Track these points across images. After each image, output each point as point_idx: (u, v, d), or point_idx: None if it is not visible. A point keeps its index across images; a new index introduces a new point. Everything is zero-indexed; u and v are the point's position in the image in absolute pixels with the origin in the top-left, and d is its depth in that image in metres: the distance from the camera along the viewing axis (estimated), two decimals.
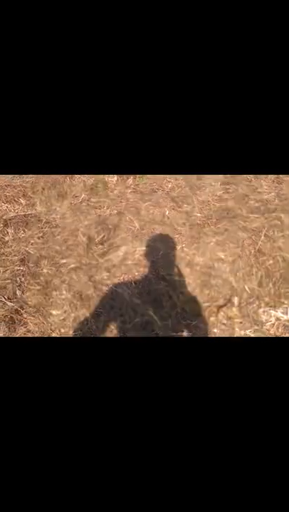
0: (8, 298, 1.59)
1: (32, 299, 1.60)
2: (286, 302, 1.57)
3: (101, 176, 2.42)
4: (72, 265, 1.76)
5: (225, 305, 1.58)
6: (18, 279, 1.67)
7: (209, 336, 1.49)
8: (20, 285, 1.64)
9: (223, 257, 1.76)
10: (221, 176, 2.32)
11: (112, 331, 1.50)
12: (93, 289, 1.65)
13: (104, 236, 1.93)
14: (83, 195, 2.24)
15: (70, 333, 1.49)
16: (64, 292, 1.63)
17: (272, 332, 1.49)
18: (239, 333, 1.49)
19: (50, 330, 1.50)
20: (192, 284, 1.68)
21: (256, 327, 1.50)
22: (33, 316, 1.53)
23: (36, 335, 1.47)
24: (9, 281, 1.65)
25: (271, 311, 1.55)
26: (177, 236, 1.91)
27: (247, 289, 1.62)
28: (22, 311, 1.55)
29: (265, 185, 2.23)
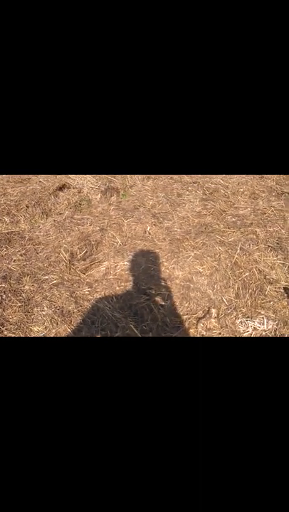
0: None
1: (13, 316, 1.61)
2: (262, 313, 1.63)
3: (85, 194, 2.49)
4: (54, 281, 1.78)
5: (204, 317, 1.62)
6: None
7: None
8: (1, 302, 1.65)
9: (201, 270, 1.82)
10: (200, 193, 2.42)
11: None
12: (74, 304, 1.67)
13: (86, 252, 1.97)
14: (67, 213, 2.30)
15: None
16: (45, 308, 1.64)
17: None
18: None
19: None
20: (172, 296, 1.72)
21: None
22: (14, 333, 1.53)
23: None
24: None
25: (248, 322, 1.60)
26: (158, 251, 1.97)
27: (224, 300, 1.67)
28: (3, 329, 1.55)
29: (242, 201, 2.33)
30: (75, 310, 1.64)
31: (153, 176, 2.68)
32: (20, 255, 1.93)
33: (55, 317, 1.60)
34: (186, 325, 1.60)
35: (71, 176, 2.65)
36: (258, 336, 1.55)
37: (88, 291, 1.74)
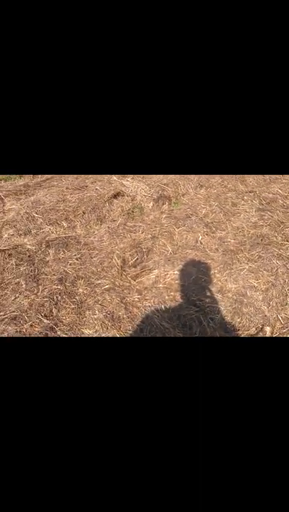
0: (45, 315, 1.69)
1: (66, 318, 1.69)
2: None
3: (138, 202, 2.54)
4: (106, 286, 1.83)
5: (256, 334, 1.54)
6: (55, 297, 1.78)
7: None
8: (56, 303, 1.74)
9: (256, 284, 1.73)
10: (256, 202, 2.31)
11: None
12: (124, 310, 1.70)
13: (137, 259, 2.00)
14: (120, 220, 2.36)
15: None
16: (97, 312, 1.70)
17: None
18: None
19: None
20: (223, 310, 1.66)
21: None
22: (66, 334, 1.61)
23: None
24: (47, 299, 1.76)
25: None
26: (210, 261, 1.92)
27: (280, 318, 1.56)
28: (56, 329, 1.63)
29: None
30: (124, 316, 1.67)
31: (206, 184, 2.63)
32: (76, 259, 2.03)
33: (106, 321, 1.65)
34: None
35: (125, 183, 2.73)
36: None
37: (138, 298, 1.76)
